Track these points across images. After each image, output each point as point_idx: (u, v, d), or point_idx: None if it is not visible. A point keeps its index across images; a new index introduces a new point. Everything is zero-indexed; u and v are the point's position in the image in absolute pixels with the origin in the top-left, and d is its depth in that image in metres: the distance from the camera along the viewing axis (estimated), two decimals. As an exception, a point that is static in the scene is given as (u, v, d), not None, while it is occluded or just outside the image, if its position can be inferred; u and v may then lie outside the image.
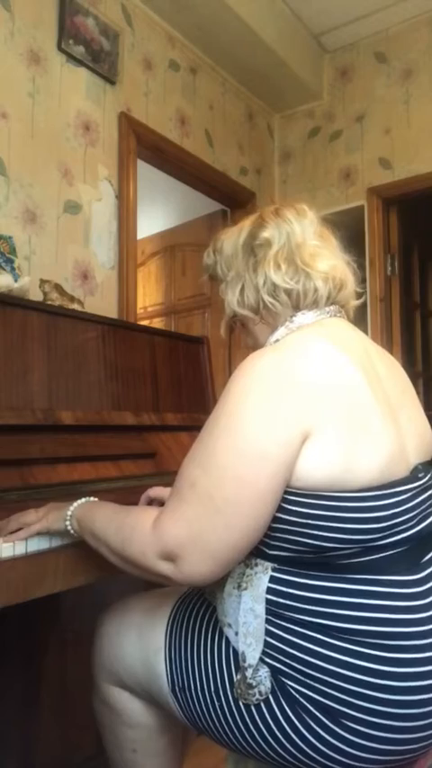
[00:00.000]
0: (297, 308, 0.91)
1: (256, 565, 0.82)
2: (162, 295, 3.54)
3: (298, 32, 2.98)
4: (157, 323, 3.48)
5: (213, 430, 0.77)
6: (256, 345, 0.99)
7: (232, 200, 3.12)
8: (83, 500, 0.92)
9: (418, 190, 2.90)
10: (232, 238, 0.98)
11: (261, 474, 0.73)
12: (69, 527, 0.90)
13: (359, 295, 0.99)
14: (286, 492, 0.76)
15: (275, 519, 0.77)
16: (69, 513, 0.90)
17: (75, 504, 0.91)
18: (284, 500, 0.76)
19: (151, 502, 1.14)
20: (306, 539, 0.76)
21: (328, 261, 0.92)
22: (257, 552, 0.82)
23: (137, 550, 0.78)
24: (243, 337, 1.03)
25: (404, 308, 3.07)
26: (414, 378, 3.07)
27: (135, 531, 0.79)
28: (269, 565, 0.81)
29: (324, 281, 0.91)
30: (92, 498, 0.93)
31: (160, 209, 3.79)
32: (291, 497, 0.76)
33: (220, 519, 0.73)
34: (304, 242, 0.92)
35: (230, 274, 0.96)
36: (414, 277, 3.27)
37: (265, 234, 0.93)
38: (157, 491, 1.13)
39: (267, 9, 2.74)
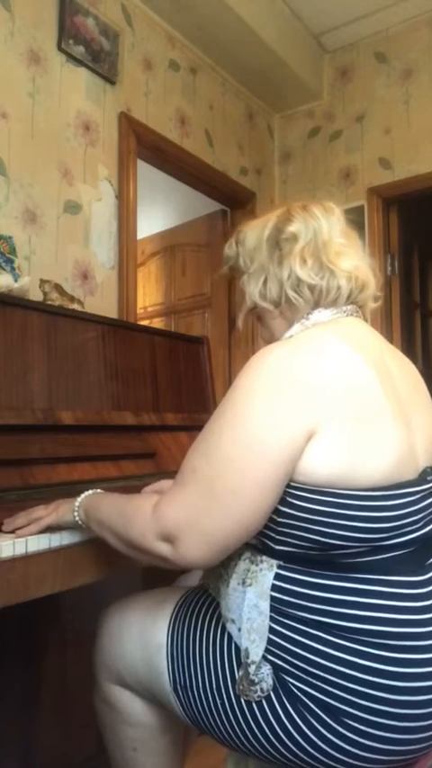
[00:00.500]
0: (318, 304, 0.92)
1: (262, 561, 0.82)
2: (162, 295, 3.54)
3: (298, 32, 2.98)
4: (157, 323, 3.47)
5: (219, 420, 0.78)
6: (271, 339, 0.99)
7: (232, 200, 3.12)
8: (89, 492, 0.94)
9: (418, 190, 2.90)
10: (256, 230, 0.98)
11: (262, 467, 0.74)
12: (77, 518, 0.92)
13: (377, 298, 0.99)
14: (292, 486, 0.76)
15: (281, 513, 0.77)
16: (77, 504, 0.93)
17: (82, 495, 0.94)
18: (290, 494, 0.76)
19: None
20: (312, 534, 0.76)
21: (353, 261, 0.93)
22: (263, 548, 0.82)
23: (138, 533, 0.80)
24: (260, 331, 1.04)
25: (404, 307, 3.07)
26: (414, 378, 3.06)
27: (137, 514, 0.81)
28: (275, 562, 0.81)
29: (347, 279, 0.91)
30: (98, 490, 0.96)
31: (160, 209, 3.79)
32: (296, 492, 0.76)
33: (218, 506, 0.75)
34: (330, 239, 0.93)
35: (253, 266, 0.96)
36: (414, 277, 3.26)
37: (292, 228, 0.93)
38: (155, 486, 1.13)
39: (267, 9, 2.74)
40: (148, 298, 3.58)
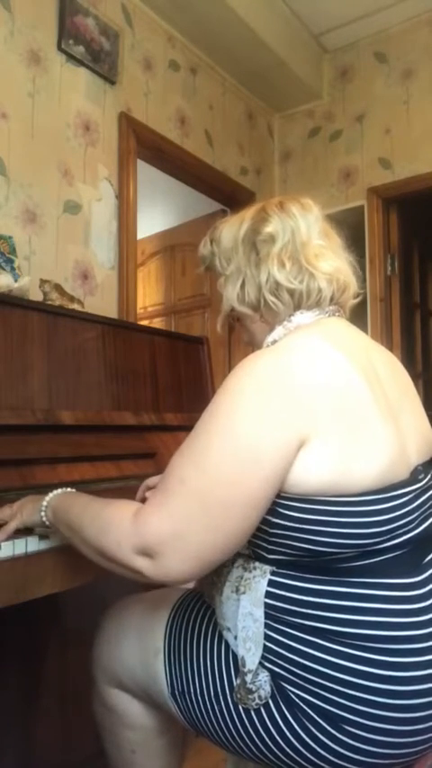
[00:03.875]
0: (298, 307, 0.89)
1: (255, 568, 0.81)
2: (162, 295, 3.54)
3: (298, 32, 2.98)
4: (157, 323, 3.47)
5: (207, 428, 0.75)
6: (252, 343, 0.98)
7: (232, 200, 3.12)
8: (59, 491, 0.90)
9: (418, 190, 2.90)
10: (232, 230, 0.94)
11: (254, 477, 0.71)
12: (44, 518, 0.87)
13: (357, 295, 0.96)
14: (283, 497, 0.74)
15: (272, 524, 0.75)
16: (45, 503, 0.88)
17: (50, 494, 0.89)
18: (281, 505, 0.75)
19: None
20: (304, 543, 0.75)
21: (333, 262, 0.90)
22: (256, 556, 0.81)
23: (112, 541, 0.74)
24: (240, 333, 1.01)
25: (404, 307, 3.07)
26: (414, 378, 3.06)
27: (113, 521, 0.76)
28: (267, 568, 0.80)
29: (328, 282, 0.89)
30: (68, 489, 0.91)
31: (160, 209, 3.79)
32: (288, 502, 0.75)
33: (208, 520, 0.71)
34: (309, 240, 0.90)
35: (230, 268, 0.93)
36: (414, 277, 3.26)
37: (269, 229, 0.90)
38: (155, 480, 1.10)
39: (267, 9, 2.74)
40: (148, 298, 3.58)
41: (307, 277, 0.88)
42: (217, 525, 0.71)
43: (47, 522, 0.88)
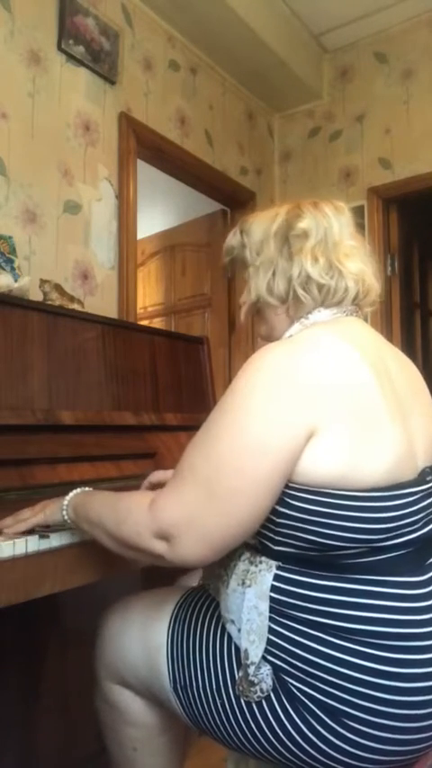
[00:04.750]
0: (323, 303, 0.91)
1: (261, 562, 0.82)
2: (162, 295, 3.54)
3: (298, 32, 2.98)
4: (157, 323, 3.47)
5: (218, 419, 0.78)
6: (269, 335, 0.98)
7: (232, 200, 3.12)
8: (78, 490, 0.94)
9: (418, 190, 2.90)
10: (264, 224, 0.96)
11: (261, 467, 0.74)
12: (66, 516, 0.91)
13: (374, 303, 0.99)
14: (291, 487, 0.76)
15: (280, 514, 0.77)
16: (66, 502, 0.92)
17: (71, 494, 0.93)
18: (289, 495, 0.76)
19: (153, 487, 1.13)
20: (310, 535, 0.76)
21: (360, 264, 0.92)
22: (262, 549, 0.82)
23: (132, 530, 0.79)
24: (257, 326, 1.02)
25: (404, 307, 3.07)
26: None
27: (131, 511, 0.80)
28: (273, 563, 0.81)
29: (355, 282, 0.91)
30: (87, 488, 0.95)
31: (160, 209, 3.79)
32: (295, 493, 0.76)
33: (216, 506, 0.74)
34: (341, 240, 0.92)
35: (260, 259, 0.94)
36: (414, 277, 3.26)
37: (303, 225, 0.91)
38: (158, 475, 1.13)
39: (267, 9, 2.74)
40: (148, 298, 3.58)
41: (336, 274, 0.90)
42: (226, 512, 0.74)
43: (68, 520, 0.91)
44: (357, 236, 0.97)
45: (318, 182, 3.19)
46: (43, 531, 0.93)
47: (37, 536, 0.91)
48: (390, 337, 2.99)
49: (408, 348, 3.09)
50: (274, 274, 0.93)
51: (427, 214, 3.23)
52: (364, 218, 2.98)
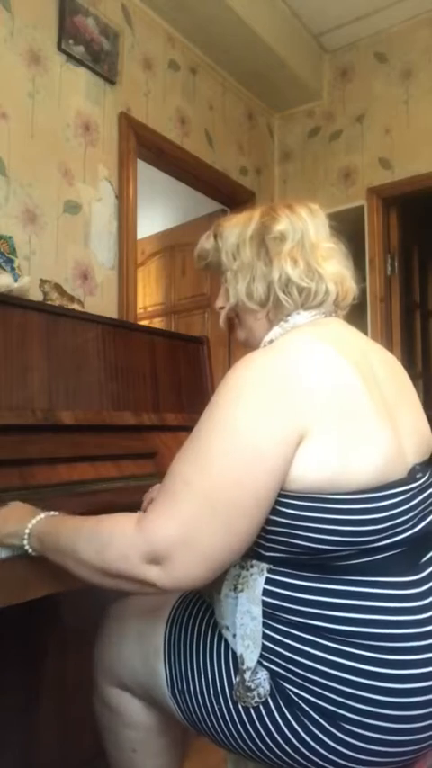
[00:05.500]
0: (303, 306, 0.90)
1: (252, 566, 0.81)
2: (162, 295, 3.54)
3: (298, 32, 2.98)
4: (157, 323, 3.47)
5: (207, 429, 0.75)
6: (249, 340, 0.97)
7: (232, 200, 3.12)
8: (42, 515, 0.85)
9: (418, 190, 2.90)
10: (238, 227, 0.95)
11: (259, 474, 0.71)
12: (27, 546, 0.83)
13: (347, 306, 0.97)
14: (280, 494, 0.74)
15: (269, 521, 0.75)
16: (27, 531, 0.83)
17: (33, 520, 0.84)
18: (278, 502, 0.75)
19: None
20: (301, 540, 0.75)
21: (338, 266, 0.92)
22: (253, 553, 0.81)
23: (117, 555, 0.72)
24: (236, 331, 1.00)
25: (404, 308, 3.07)
26: (414, 378, 3.07)
27: (114, 535, 0.74)
28: (264, 566, 0.80)
29: (335, 284, 0.90)
30: (52, 513, 0.86)
31: (160, 209, 3.79)
32: (284, 499, 0.75)
33: (217, 521, 0.70)
34: (318, 242, 0.91)
35: (236, 263, 0.93)
36: (414, 277, 3.26)
37: (280, 227, 0.90)
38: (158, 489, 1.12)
39: (267, 9, 2.74)
40: (148, 298, 3.58)
41: (316, 277, 0.89)
42: (227, 526, 0.71)
43: (30, 551, 0.83)
44: (333, 238, 0.96)
45: (318, 182, 3.19)
46: None
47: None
48: (390, 337, 2.99)
49: (408, 348, 3.09)
50: (253, 279, 0.91)
51: (427, 214, 3.23)
52: (364, 219, 2.98)
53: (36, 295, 1.66)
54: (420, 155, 2.86)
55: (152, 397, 1.60)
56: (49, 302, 1.64)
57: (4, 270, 1.55)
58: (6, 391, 1.22)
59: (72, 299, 1.74)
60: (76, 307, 1.67)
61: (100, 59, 2.29)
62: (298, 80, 3.06)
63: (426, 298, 3.43)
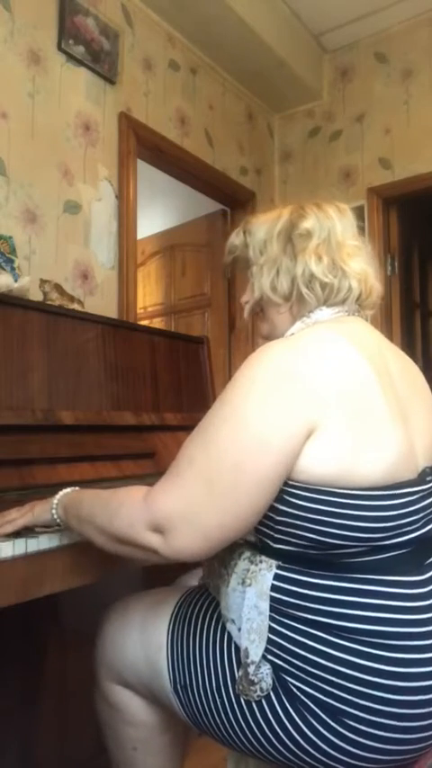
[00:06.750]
0: (326, 301, 0.92)
1: (261, 561, 0.82)
2: (162, 295, 3.54)
3: (298, 32, 2.98)
4: (157, 323, 3.47)
5: (218, 414, 0.78)
6: (271, 334, 0.99)
7: (232, 200, 3.12)
8: (68, 489, 0.93)
9: (418, 190, 2.90)
10: (267, 224, 0.97)
11: (261, 463, 0.73)
12: (56, 516, 0.90)
13: (375, 306, 0.99)
14: (290, 485, 0.76)
15: (279, 512, 0.77)
16: (55, 501, 0.91)
17: (60, 493, 0.92)
18: (288, 493, 0.76)
19: None
20: (310, 533, 0.76)
21: (363, 264, 0.94)
22: (262, 548, 0.82)
23: (125, 523, 0.78)
24: (259, 324, 1.02)
25: (404, 308, 3.07)
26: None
27: (124, 504, 0.79)
28: (274, 562, 0.81)
29: (358, 281, 0.92)
30: (76, 488, 0.94)
31: (160, 209, 3.79)
32: (295, 491, 0.76)
33: (215, 499, 0.74)
34: (344, 241, 0.93)
35: (263, 258, 0.95)
36: (414, 277, 3.27)
37: (307, 224, 0.92)
38: None
39: (267, 9, 2.74)
40: (148, 298, 3.58)
41: (340, 273, 0.91)
42: (223, 506, 0.74)
43: (57, 520, 0.90)
44: (360, 238, 0.97)
45: (318, 182, 3.19)
46: (30, 534, 0.91)
47: (37, 536, 0.91)
48: (390, 337, 2.99)
49: (408, 348, 3.09)
50: (278, 273, 0.93)
51: (427, 214, 3.23)
52: (364, 219, 2.98)
53: (36, 295, 1.66)
54: (420, 155, 2.86)
55: (152, 397, 1.60)
56: (49, 302, 1.64)
57: (4, 270, 1.55)
58: (6, 391, 1.22)
59: (72, 299, 1.74)
60: (76, 307, 1.67)
61: (100, 59, 2.29)
62: (298, 80, 3.06)
63: (426, 298, 3.43)
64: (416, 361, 1.01)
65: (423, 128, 2.87)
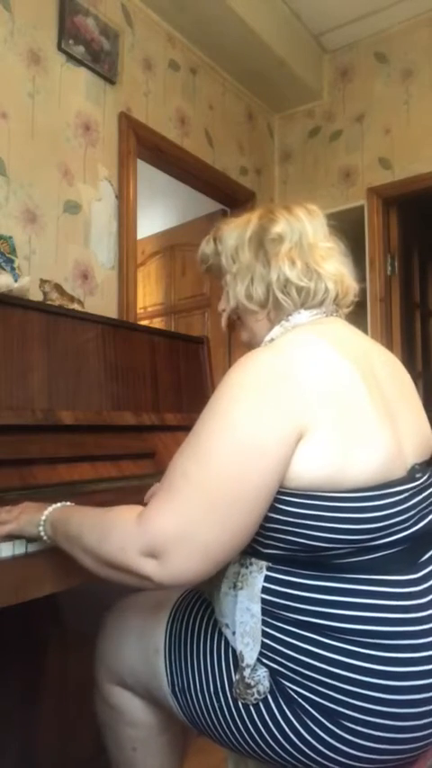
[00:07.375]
0: (303, 305, 0.91)
1: (251, 564, 0.81)
2: (162, 295, 3.54)
3: (298, 32, 2.98)
4: (157, 323, 3.47)
5: (207, 424, 0.75)
6: (251, 341, 0.98)
7: (232, 200, 3.12)
8: (58, 504, 0.88)
9: (418, 190, 2.90)
10: (237, 230, 0.96)
11: (259, 470, 0.72)
12: (42, 533, 0.86)
13: (351, 303, 0.98)
14: (279, 492, 0.75)
15: (268, 518, 0.76)
16: (43, 518, 0.86)
17: (49, 508, 0.87)
18: (277, 500, 0.75)
19: None
20: (299, 538, 0.75)
21: (338, 265, 0.93)
22: (252, 551, 0.81)
23: (116, 546, 0.73)
24: (239, 332, 1.01)
25: (404, 308, 3.07)
26: (414, 378, 3.05)
27: (115, 526, 0.75)
28: (264, 564, 0.80)
29: (334, 282, 0.91)
30: (67, 503, 0.89)
31: (160, 209, 3.79)
32: (283, 497, 0.75)
33: (214, 516, 0.70)
34: (316, 243, 0.92)
35: (236, 266, 0.94)
36: (414, 277, 3.27)
37: (277, 229, 0.91)
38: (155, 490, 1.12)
39: (267, 9, 2.74)
40: (148, 298, 3.58)
41: (315, 276, 0.90)
42: (223, 521, 0.70)
43: (44, 537, 0.86)
44: (332, 238, 0.96)
45: (318, 182, 3.19)
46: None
47: (24, 539, 0.89)
48: (390, 337, 2.99)
49: (408, 348, 3.09)
50: (252, 280, 0.92)
51: (427, 214, 3.23)
52: (364, 219, 2.98)
53: (36, 295, 1.66)
54: (420, 155, 2.86)
55: (152, 397, 1.60)
56: (49, 302, 1.64)
57: (4, 270, 1.55)
58: (6, 391, 1.22)
59: (72, 299, 1.74)
60: (76, 307, 1.67)
61: (100, 59, 2.29)
62: (298, 80, 3.06)
63: (426, 298, 3.44)
64: (416, 362, 1.01)
65: (423, 128, 2.87)
